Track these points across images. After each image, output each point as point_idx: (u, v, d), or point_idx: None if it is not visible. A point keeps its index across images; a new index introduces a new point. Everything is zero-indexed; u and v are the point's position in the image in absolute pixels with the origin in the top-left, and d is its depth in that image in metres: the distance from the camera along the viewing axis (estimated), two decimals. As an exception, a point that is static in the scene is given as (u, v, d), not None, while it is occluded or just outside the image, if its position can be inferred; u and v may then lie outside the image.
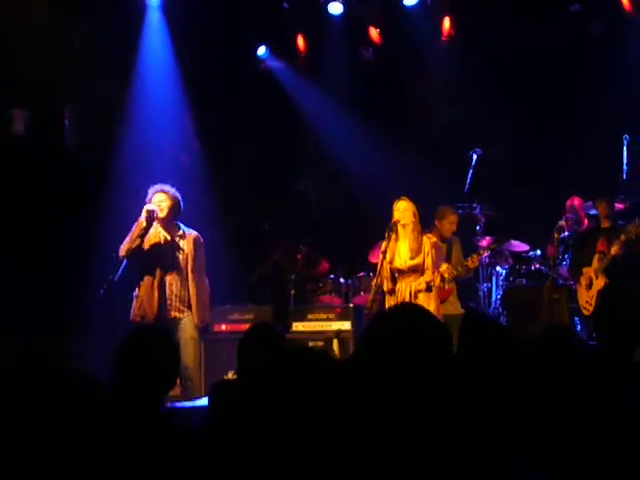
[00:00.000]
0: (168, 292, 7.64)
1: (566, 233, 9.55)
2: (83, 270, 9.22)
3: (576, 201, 9.77)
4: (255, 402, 3.27)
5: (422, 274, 7.71)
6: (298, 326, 9.33)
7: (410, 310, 2.70)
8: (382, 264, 7.76)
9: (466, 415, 2.68)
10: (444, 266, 7.86)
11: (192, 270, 7.69)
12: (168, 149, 10.68)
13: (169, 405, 5.11)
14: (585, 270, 8.74)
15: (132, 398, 3.49)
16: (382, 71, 11.63)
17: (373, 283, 7.93)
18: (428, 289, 7.70)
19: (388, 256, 7.77)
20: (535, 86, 11.00)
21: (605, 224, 8.91)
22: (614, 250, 8.53)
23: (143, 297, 7.59)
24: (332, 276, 10.60)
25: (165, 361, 3.67)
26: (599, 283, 8.54)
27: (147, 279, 7.61)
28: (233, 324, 9.31)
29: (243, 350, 4.18)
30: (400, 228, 7.77)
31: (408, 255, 7.74)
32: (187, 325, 7.64)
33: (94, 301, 7.67)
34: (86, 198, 9.80)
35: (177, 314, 7.65)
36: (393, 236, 7.78)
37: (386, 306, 7.73)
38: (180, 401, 6.86)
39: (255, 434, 2.95)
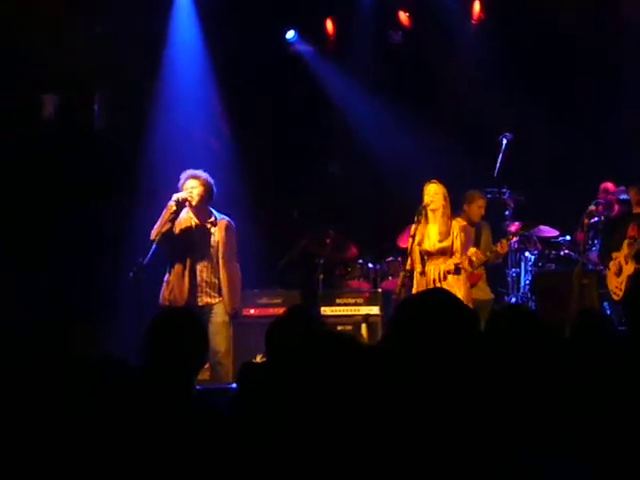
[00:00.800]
0: (199, 279, 7.63)
1: (596, 218, 9.48)
2: (112, 253, 9.29)
3: (608, 186, 9.70)
4: (285, 385, 3.28)
5: (451, 257, 7.72)
6: (326, 310, 9.34)
7: (437, 295, 2.70)
8: (412, 247, 7.77)
9: (494, 400, 2.68)
10: (472, 250, 7.89)
11: (223, 257, 7.67)
12: (197, 134, 10.69)
13: (199, 388, 5.13)
14: (615, 255, 8.68)
15: (161, 381, 3.51)
16: (412, 54, 11.57)
17: (405, 267, 7.94)
18: (457, 271, 7.70)
19: (417, 238, 7.78)
20: (566, 69, 10.91)
21: (636, 210, 8.83)
22: (645, 236, 8.47)
23: (174, 283, 7.59)
24: (360, 261, 10.60)
25: (192, 343, 3.68)
26: (629, 268, 8.48)
27: (178, 265, 7.61)
28: (262, 308, 9.33)
29: (276, 332, 4.18)
30: (430, 212, 7.77)
31: (437, 238, 7.75)
32: (218, 311, 7.64)
33: (123, 284, 7.72)
34: (115, 182, 9.85)
35: (208, 300, 7.65)
36: (422, 219, 7.78)
37: (414, 288, 7.75)
38: (209, 385, 6.89)
39: (283, 417, 2.95)
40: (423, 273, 7.79)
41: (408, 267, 7.84)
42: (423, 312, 2.58)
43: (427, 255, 7.80)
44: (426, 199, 7.78)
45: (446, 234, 7.75)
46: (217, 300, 7.65)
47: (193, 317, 3.88)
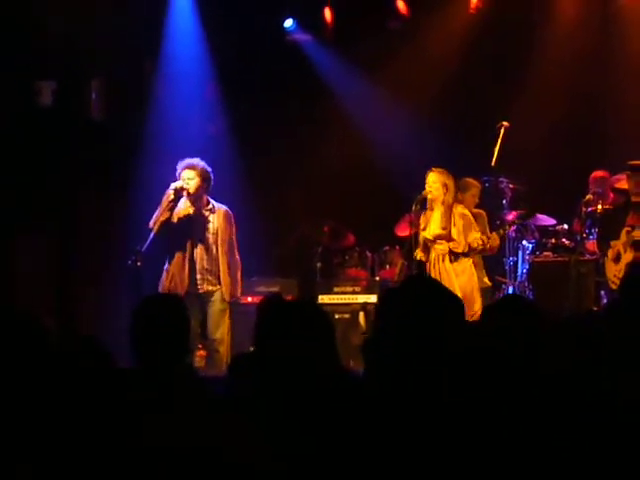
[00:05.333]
0: (199, 266, 7.70)
1: (592, 207, 9.47)
2: (109, 241, 9.31)
3: (598, 175, 9.69)
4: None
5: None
6: (324, 299, 9.36)
7: (417, 284, 2.71)
8: (416, 234, 7.88)
9: (487, 390, 2.68)
10: (474, 235, 7.88)
11: (222, 245, 7.74)
12: (195, 121, 10.69)
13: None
14: (613, 244, 8.68)
15: (151, 365, 3.56)
16: (409, 42, 11.53)
17: (416, 257, 8.01)
18: (465, 255, 7.77)
19: (422, 224, 7.85)
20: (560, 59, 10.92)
21: (635, 198, 8.81)
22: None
23: (173, 271, 7.64)
24: (358, 249, 10.61)
25: (171, 330, 3.75)
26: (627, 257, 8.48)
27: (177, 254, 7.67)
28: (259, 296, 9.33)
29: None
30: (431, 201, 7.87)
31: (437, 226, 7.83)
32: (217, 298, 7.74)
33: (122, 270, 7.76)
34: (113, 170, 9.85)
35: (208, 288, 7.72)
36: (428, 208, 7.84)
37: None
38: (204, 372, 6.92)
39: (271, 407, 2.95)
40: (427, 260, 7.89)
41: (419, 257, 7.92)
42: (404, 301, 2.59)
43: (429, 242, 7.87)
44: (426, 188, 7.87)
45: (445, 223, 7.81)
46: (217, 288, 7.71)
47: (173, 304, 3.94)
